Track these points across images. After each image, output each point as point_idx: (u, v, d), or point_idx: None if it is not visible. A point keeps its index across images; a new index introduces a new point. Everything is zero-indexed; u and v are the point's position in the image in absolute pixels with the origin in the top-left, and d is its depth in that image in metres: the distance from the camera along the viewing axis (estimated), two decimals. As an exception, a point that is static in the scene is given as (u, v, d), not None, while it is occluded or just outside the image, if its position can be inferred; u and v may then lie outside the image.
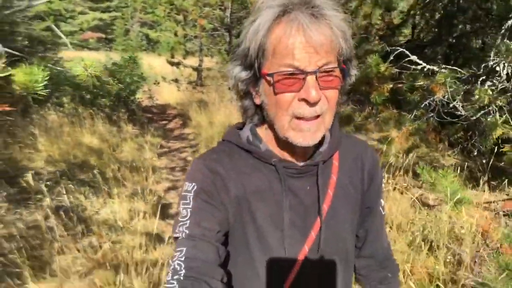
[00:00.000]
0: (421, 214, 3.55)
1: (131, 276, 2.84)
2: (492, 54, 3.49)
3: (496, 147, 3.35)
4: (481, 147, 3.50)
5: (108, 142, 6.34)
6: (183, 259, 0.81)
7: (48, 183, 4.07)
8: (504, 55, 3.21)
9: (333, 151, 0.98)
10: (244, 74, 0.89)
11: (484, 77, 4.13)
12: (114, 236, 3.43)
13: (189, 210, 0.87)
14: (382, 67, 4.38)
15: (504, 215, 3.75)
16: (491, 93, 3.56)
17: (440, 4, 8.99)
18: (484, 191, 4.05)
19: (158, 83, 10.49)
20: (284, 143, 0.92)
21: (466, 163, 4.66)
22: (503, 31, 4.13)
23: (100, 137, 6.50)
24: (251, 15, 0.85)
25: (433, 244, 2.74)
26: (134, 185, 4.71)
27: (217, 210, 0.88)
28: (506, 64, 3.45)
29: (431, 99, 3.83)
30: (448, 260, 2.53)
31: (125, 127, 7.28)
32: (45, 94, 1.29)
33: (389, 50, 5.13)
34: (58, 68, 4.29)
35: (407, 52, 4.48)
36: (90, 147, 6.00)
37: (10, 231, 3.27)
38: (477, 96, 3.38)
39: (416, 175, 4.04)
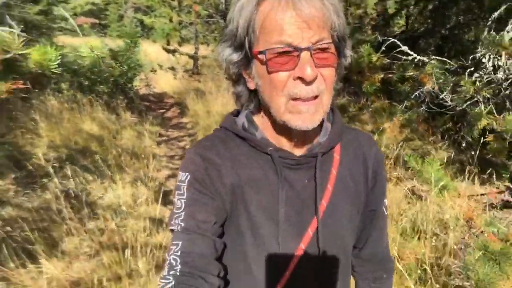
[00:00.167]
0: (412, 204, 3.74)
1: (136, 257, 3.03)
2: (479, 46, 3.64)
3: (482, 139, 3.51)
4: (469, 138, 3.67)
5: (108, 129, 6.46)
6: (178, 253, 0.80)
7: (55, 164, 4.21)
8: (490, 47, 3.36)
9: (334, 143, 0.94)
10: (235, 56, 0.85)
11: (472, 69, 4.30)
12: (119, 220, 3.60)
13: (183, 201, 0.85)
14: (374, 57, 4.51)
15: (493, 207, 3.93)
16: (478, 84, 3.73)
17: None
18: (474, 183, 4.25)
19: (155, 70, 10.52)
20: (281, 129, 0.89)
21: (457, 156, 4.85)
22: (489, 22, 4.28)
23: (99, 124, 6.61)
24: None
25: (420, 231, 2.93)
26: (136, 171, 4.86)
27: (212, 199, 0.86)
28: (492, 56, 3.61)
29: (421, 90, 3.99)
30: (433, 244, 2.73)
31: (123, 115, 7.38)
32: (58, 72, 1.42)
33: (381, 40, 5.28)
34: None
35: (399, 43, 4.63)
36: (90, 133, 6.13)
37: (19, 213, 3.43)
38: (463, 87, 3.54)
39: (409, 168, 4.21)
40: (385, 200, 1.05)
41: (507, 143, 2.99)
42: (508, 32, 3.89)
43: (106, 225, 3.47)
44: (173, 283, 0.76)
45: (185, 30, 11.74)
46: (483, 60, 3.85)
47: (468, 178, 4.25)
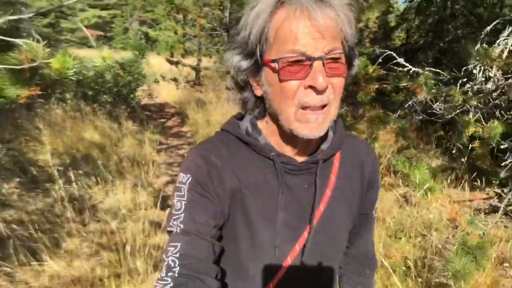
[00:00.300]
0: (402, 208, 3.84)
1: (134, 257, 3.13)
2: (469, 58, 3.78)
3: (470, 146, 3.63)
4: (459, 145, 3.78)
5: (110, 137, 6.60)
6: (177, 255, 0.80)
7: (60, 168, 4.33)
8: (479, 59, 3.49)
9: (335, 150, 0.95)
10: (244, 64, 0.85)
11: (465, 80, 4.43)
12: (119, 223, 3.70)
13: (183, 203, 0.85)
14: (370, 69, 4.66)
15: (481, 212, 4.04)
16: (470, 94, 3.86)
17: (433, 8, 9.34)
18: (464, 190, 4.35)
19: (158, 81, 10.71)
20: (287, 137, 0.89)
21: (450, 164, 4.96)
22: (482, 36, 4.43)
23: (101, 132, 6.75)
24: (252, 1, 0.81)
25: (407, 232, 3.03)
26: (136, 177, 4.98)
27: (211, 202, 0.86)
28: (482, 68, 3.74)
29: (414, 100, 4.11)
30: (419, 244, 2.82)
31: (125, 124, 7.53)
32: (74, 79, 1.56)
33: (378, 52, 5.43)
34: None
35: (395, 55, 4.77)
36: (92, 141, 6.26)
37: (23, 215, 3.54)
38: (454, 97, 3.66)
39: (400, 174, 4.31)
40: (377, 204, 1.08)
41: (490, 148, 3.10)
42: (499, 45, 4.04)
43: (106, 227, 3.57)
44: (171, 284, 0.76)
45: (189, 43, 11.96)
46: (474, 71, 3.98)
47: (460, 185, 4.37)
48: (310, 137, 0.82)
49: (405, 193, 4.30)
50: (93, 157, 5.45)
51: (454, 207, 2.97)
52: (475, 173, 4.52)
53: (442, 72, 4.45)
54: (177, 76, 11.04)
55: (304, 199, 0.91)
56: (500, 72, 3.76)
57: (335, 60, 0.78)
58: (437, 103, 4.02)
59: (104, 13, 31.88)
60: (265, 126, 0.93)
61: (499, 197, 3.61)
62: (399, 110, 4.40)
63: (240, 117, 0.98)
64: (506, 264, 2.65)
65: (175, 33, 10.63)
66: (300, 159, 0.92)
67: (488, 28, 4.38)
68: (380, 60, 4.78)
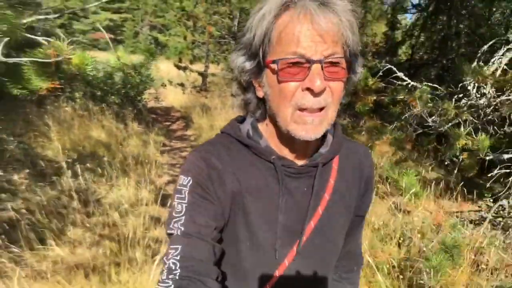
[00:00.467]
0: (395, 216, 3.98)
1: (134, 248, 3.28)
2: (462, 74, 3.94)
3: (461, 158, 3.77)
4: (453, 158, 3.92)
5: (116, 137, 6.79)
6: (178, 258, 0.79)
7: (68, 160, 4.52)
8: (473, 76, 3.65)
9: (334, 154, 0.96)
10: (248, 65, 0.87)
11: (461, 95, 4.59)
12: (120, 217, 3.86)
13: (184, 205, 0.85)
14: (370, 81, 4.84)
15: (471, 223, 4.17)
16: (464, 108, 4.02)
17: (438, 26, 9.55)
18: (457, 201, 4.50)
19: (165, 85, 10.92)
20: (285, 139, 0.91)
21: (445, 177, 5.10)
22: (479, 54, 4.60)
23: (108, 132, 6.95)
24: (258, 4, 0.83)
25: (395, 236, 3.18)
26: (139, 176, 5.14)
27: (212, 204, 0.86)
28: (476, 84, 3.90)
29: (410, 112, 4.27)
30: (405, 246, 2.97)
31: (131, 125, 7.72)
32: (92, 75, 1.74)
33: (379, 66, 5.61)
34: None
35: (395, 69, 4.94)
36: (98, 140, 6.45)
37: (30, 205, 3.71)
38: (450, 111, 3.82)
39: (391, 179, 4.45)
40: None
41: (477, 159, 3.24)
42: (493, 63, 4.20)
43: (109, 219, 3.74)
44: (172, 287, 0.76)
45: (197, 49, 12.17)
46: (469, 87, 4.13)
47: (453, 196, 4.51)
48: (307, 139, 0.83)
49: (399, 202, 4.44)
50: (99, 155, 5.64)
51: (440, 213, 3.10)
52: (469, 186, 4.67)
53: (439, 87, 4.62)
54: (184, 81, 11.24)
55: (304, 202, 0.92)
56: (493, 89, 3.91)
57: (335, 64, 0.80)
58: (433, 117, 4.18)
59: (115, 17, 32.38)
60: (266, 129, 0.94)
61: (490, 209, 3.75)
62: (396, 122, 4.55)
63: (241, 120, 1.00)
64: (483, 266, 2.79)
65: (185, 39, 10.83)
66: (300, 162, 0.93)
67: (485, 47, 4.55)
68: (381, 73, 4.96)
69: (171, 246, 0.81)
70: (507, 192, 3.85)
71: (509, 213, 3.61)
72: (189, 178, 0.87)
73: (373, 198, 4.59)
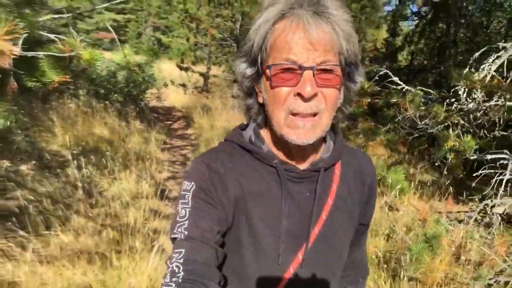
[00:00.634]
0: (385, 213, 4.14)
1: (134, 238, 3.44)
2: (450, 80, 4.12)
3: (450, 159, 3.94)
4: (441, 158, 4.09)
5: (118, 134, 6.95)
6: (181, 261, 0.80)
7: (74, 152, 4.68)
8: (463, 82, 3.83)
9: (335, 160, 0.98)
10: (249, 71, 0.90)
11: (453, 100, 4.76)
12: (122, 208, 4.02)
13: (187, 210, 0.86)
14: (366, 85, 5.01)
15: (464, 224, 4.33)
16: (454, 111, 4.19)
17: (437, 34, 9.75)
18: (447, 201, 4.66)
19: (167, 85, 11.07)
20: (281, 143, 0.92)
21: (439, 179, 5.27)
22: (471, 61, 4.78)
23: (110, 129, 7.11)
24: (259, 13, 0.86)
25: (381, 231, 3.34)
26: (140, 171, 5.31)
27: (215, 209, 0.88)
28: (466, 89, 4.07)
29: (403, 115, 4.44)
30: (391, 239, 3.12)
31: (133, 123, 7.88)
32: (96, 72, 1.91)
33: (375, 70, 5.78)
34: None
35: (390, 73, 5.11)
36: (101, 136, 6.62)
37: (35, 195, 3.88)
38: (439, 114, 3.99)
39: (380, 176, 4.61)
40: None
41: (463, 159, 3.41)
42: (483, 69, 4.37)
43: (111, 210, 3.90)
44: None
45: (200, 51, 12.31)
46: (459, 92, 4.30)
47: (445, 198, 4.68)
48: (298, 143, 0.85)
49: (391, 201, 4.60)
50: (102, 150, 5.80)
51: (426, 209, 3.26)
52: (460, 188, 4.83)
53: (432, 92, 4.79)
54: (186, 81, 11.39)
55: (306, 207, 0.92)
56: (482, 94, 4.08)
57: (328, 71, 0.82)
58: (426, 120, 4.35)
59: (119, 17, 32.55)
60: (267, 134, 0.97)
61: (477, 208, 3.91)
62: (389, 124, 4.72)
63: (244, 127, 1.02)
64: (463, 258, 2.94)
65: (187, 40, 10.97)
66: (302, 167, 0.95)
67: (477, 54, 4.73)
68: (377, 77, 5.13)
69: (175, 250, 0.83)
70: (492, 192, 4.02)
71: (491, 210, 3.77)
72: (192, 183, 0.89)
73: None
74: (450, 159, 3.61)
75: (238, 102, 10.62)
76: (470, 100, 4.46)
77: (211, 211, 0.87)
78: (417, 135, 4.50)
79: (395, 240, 3.23)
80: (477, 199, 4.46)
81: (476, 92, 4.31)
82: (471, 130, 4.49)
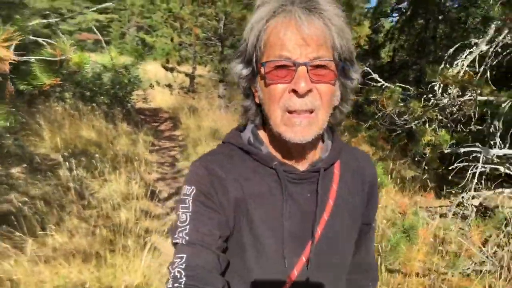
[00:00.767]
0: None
1: (126, 237, 3.56)
2: (425, 76, 4.32)
3: (428, 154, 4.13)
4: (420, 153, 4.28)
5: (106, 136, 7.02)
6: (183, 266, 0.80)
7: (65, 154, 4.76)
8: (438, 77, 4.02)
9: (334, 159, 0.97)
10: (245, 71, 0.90)
11: (430, 95, 4.97)
12: (113, 210, 4.13)
13: (188, 215, 0.85)
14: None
15: (440, 216, 4.54)
16: (429, 106, 4.39)
17: (417, 30, 10.00)
18: (429, 195, 4.87)
19: (153, 86, 11.10)
20: (279, 143, 0.91)
21: (423, 175, 5.48)
22: (446, 57, 4.99)
23: (98, 131, 7.16)
24: (253, 12, 0.86)
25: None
26: (129, 172, 5.40)
27: (216, 213, 0.87)
28: (440, 85, 4.27)
29: (383, 112, 4.62)
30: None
31: (120, 125, 7.93)
32: (88, 72, 2.01)
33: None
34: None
35: (370, 70, 5.29)
36: (89, 139, 6.68)
37: (28, 197, 3.96)
38: (416, 110, 4.18)
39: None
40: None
41: (438, 153, 3.60)
42: (457, 65, 4.58)
43: (103, 212, 4.00)
44: None
45: (184, 51, 12.33)
46: (435, 88, 4.50)
47: (427, 193, 4.89)
48: (296, 141, 0.84)
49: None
50: (91, 152, 5.88)
51: (405, 202, 3.45)
52: (442, 183, 5.04)
53: (410, 88, 5.00)
54: (171, 82, 11.42)
55: (307, 208, 0.92)
56: (456, 89, 4.29)
57: (322, 67, 0.81)
58: (405, 116, 4.54)
59: (101, 17, 32.17)
60: (265, 135, 0.96)
61: (456, 201, 4.11)
62: (370, 121, 4.90)
63: (241, 129, 1.01)
64: (440, 248, 3.14)
65: (172, 40, 10.99)
66: (301, 167, 0.94)
67: (451, 50, 4.94)
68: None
69: (176, 255, 0.82)
70: (470, 186, 4.23)
71: (467, 202, 3.98)
72: (192, 187, 0.88)
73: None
74: (427, 154, 3.80)
75: (224, 102, 10.74)
76: (446, 96, 4.67)
77: (212, 215, 0.86)
78: (399, 131, 4.68)
79: (376, 232, 3.41)
80: (455, 193, 4.67)
81: (451, 87, 4.52)
82: (448, 125, 4.71)
